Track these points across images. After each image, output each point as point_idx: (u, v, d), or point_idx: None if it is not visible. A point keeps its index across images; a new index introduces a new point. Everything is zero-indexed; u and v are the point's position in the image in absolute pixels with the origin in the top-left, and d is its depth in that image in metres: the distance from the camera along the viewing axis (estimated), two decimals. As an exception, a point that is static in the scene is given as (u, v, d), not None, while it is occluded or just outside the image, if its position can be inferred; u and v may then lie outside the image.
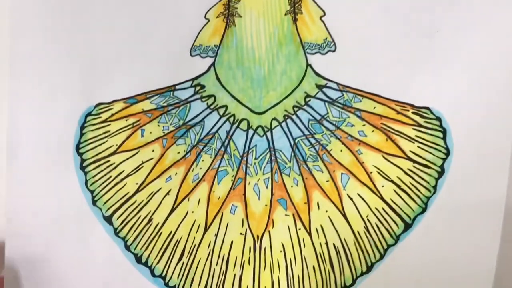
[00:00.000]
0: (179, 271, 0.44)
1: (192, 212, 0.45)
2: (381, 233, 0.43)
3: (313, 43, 0.44)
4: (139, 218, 0.45)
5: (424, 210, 0.42)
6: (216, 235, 0.44)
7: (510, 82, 0.41)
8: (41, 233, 0.45)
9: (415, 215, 0.42)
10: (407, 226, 0.42)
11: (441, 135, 0.43)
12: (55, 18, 0.44)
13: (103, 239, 0.45)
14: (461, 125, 0.42)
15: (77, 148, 0.45)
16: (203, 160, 0.45)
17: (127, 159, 0.45)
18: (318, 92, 0.44)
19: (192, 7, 0.44)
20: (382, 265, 0.43)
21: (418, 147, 0.43)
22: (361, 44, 0.43)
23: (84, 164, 0.45)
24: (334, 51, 0.44)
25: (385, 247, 0.43)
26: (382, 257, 0.43)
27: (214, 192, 0.45)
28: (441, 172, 0.42)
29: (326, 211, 0.43)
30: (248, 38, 0.44)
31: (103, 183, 0.45)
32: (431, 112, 0.43)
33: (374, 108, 0.44)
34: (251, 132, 0.45)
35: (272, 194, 0.44)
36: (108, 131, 0.45)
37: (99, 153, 0.45)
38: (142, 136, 0.45)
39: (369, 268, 0.43)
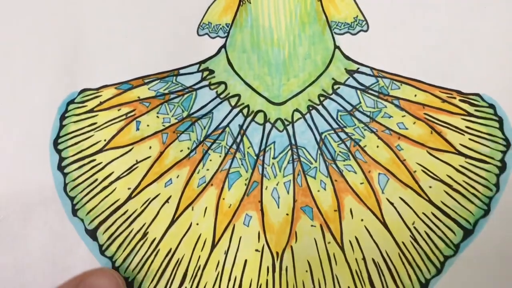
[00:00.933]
0: None
1: (197, 224, 0.38)
2: (433, 243, 0.37)
3: (342, 22, 0.40)
4: (130, 232, 0.38)
5: (486, 212, 0.37)
6: (226, 253, 0.38)
7: None
8: (7, 248, 0.38)
9: (476, 219, 0.37)
10: (467, 233, 0.37)
11: (497, 124, 0.38)
12: None
13: (85, 258, 0.38)
14: None
15: (55, 143, 0.39)
16: (211, 160, 0.39)
17: (118, 158, 0.39)
18: (349, 78, 0.40)
19: (201, -21, 0.41)
20: (441, 281, 0.36)
21: (470, 139, 0.38)
22: (397, 23, 0.40)
23: (63, 164, 0.39)
24: (366, 31, 0.40)
25: (442, 259, 0.36)
26: (439, 271, 0.36)
27: (224, 199, 0.38)
28: (502, 167, 0.37)
29: (362, 220, 0.38)
30: (265, 17, 0.40)
31: (86, 187, 0.38)
32: (482, 99, 0.38)
33: (415, 96, 0.39)
34: (268, 126, 0.40)
35: (294, 201, 0.38)
36: (95, 123, 0.40)
37: (83, 150, 0.39)
38: (137, 129, 0.39)
39: (424, 286, 0.36)
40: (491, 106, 0.38)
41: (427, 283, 0.36)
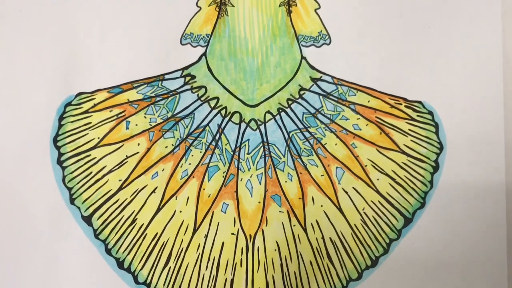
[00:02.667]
0: (165, 277, 0.41)
1: (180, 211, 0.42)
2: (380, 226, 0.42)
3: (308, 35, 0.44)
4: (121, 218, 0.41)
5: (423, 205, 0.43)
6: (206, 237, 0.42)
7: (499, 76, 0.43)
8: (13, 233, 0.40)
9: (414, 210, 0.43)
10: (408, 221, 0.43)
11: (433, 129, 0.43)
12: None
13: (81, 241, 0.41)
14: (452, 119, 0.43)
15: (55, 140, 0.42)
16: (192, 155, 0.43)
17: (110, 153, 0.42)
18: (313, 85, 0.44)
19: (184, -6, 0.43)
20: (388, 259, 0.42)
21: (412, 141, 0.43)
22: (356, 38, 0.44)
23: (62, 159, 0.41)
24: (329, 44, 0.44)
25: (387, 241, 0.42)
26: (386, 251, 0.42)
27: (204, 189, 0.42)
28: (435, 167, 0.43)
29: (321, 206, 0.43)
30: (241, 29, 0.43)
31: (82, 179, 0.41)
32: (423, 106, 0.44)
33: (368, 101, 0.44)
34: (243, 125, 0.43)
35: (265, 191, 0.43)
36: (90, 123, 0.42)
37: (79, 147, 0.42)
38: (127, 128, 0.42)
39: (374, 262, 0.42)
40: (430, 112, 0.43)
41: (376, 260, 0.42)
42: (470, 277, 0.42)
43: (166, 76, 0.43)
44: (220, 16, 0.43)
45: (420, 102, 0.44)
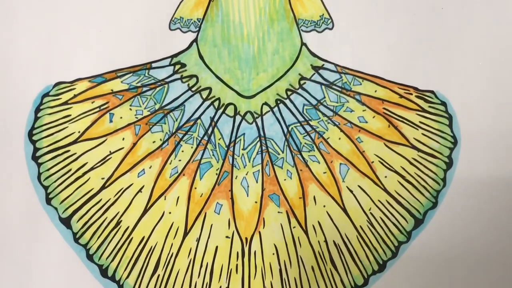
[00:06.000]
0: (154, 286, 0.39)
1: (170, 213, 0.40)
2: (388, 228, 0.40)
3: (309, 20, 0.42)
4: (104, 220, 0.39)
5: (435, 205, 0.40)
6: (198, 240, 0.39)
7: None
8: None
9: (425, 210, 0.40)
10: (418, 222, 0.40)
11: (447, 121, 0.41)
12: None
13: (59, 246, 0.39)
14: (468, 111, 0.41)
15: (30, 134, 0.40)
16: (183, 151, 0.40)
17: (92, 149, 0.40)
18: (314, 74, 0.42)
19: (172, -26, 0.41)
20: (396, 264, 0.40)
21: (423, 134, 0.41)
22: (361, 22, 0.42)
23: (38, 154, 0.39)
24: (331, 29, 0.42)
25: (396, 244, 0.40)
26: (395, 255, 0.40)
27: (195, 188, 0.40)
28: (449, 163, 0.41)
29: (324, 206, 0.40)
30: (236, 13, 0.41)
31: (60, 177, 0.39)
32: (436, 96, 0.41)
33: (375, 91, 0.41)
34: (238, 118, 0.41)
35: (262, 190, 0.40)
36: (69, 115, 0.40)
37: (57, 141, 0.40)
38: (111, 121, 0.40)
39: (382, 267, 0.40)
40: (443, 103, 0.41)
41: (384, 264, 0.40)
42: (486, 281, 0.40)
43: (154, 65, 0.41)
44: (212, -2, 0.42)
45: (432, 92, 0.41)
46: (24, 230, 0.39)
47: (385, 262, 0.40)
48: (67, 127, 0.40)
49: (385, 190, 0.40)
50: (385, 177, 0.40)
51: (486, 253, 0.40)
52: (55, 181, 0.39)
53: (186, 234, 0.40)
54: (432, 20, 0.42)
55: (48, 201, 0.39)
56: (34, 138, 0.39)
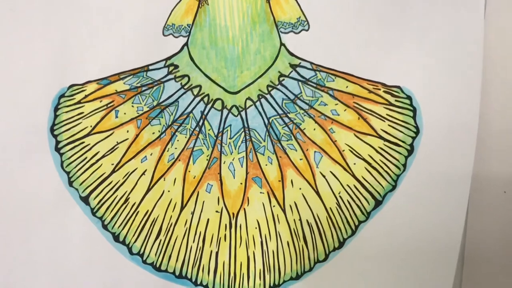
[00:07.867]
0: (157, 249, 0.45)
1: (168, 191, 0.45)
2: (352, 209, 0.44)
3: (287, 22, 0.44)
4: (115, 198, 0.45)
5: (394, 187, 0.43)
6: (193, 213, 0.45)
7: (477, 61, 0.42)
8: (18, 215, 0.45)
9: (385, 193, 0.44)
10: (378, 203, 0.44)
11: (411, 113, 0.43)
12: None
13: (80, 219, 0.45)
14: (430, 104, 0.43)
15: (52, 130, 0.45)
16: (178, 140, 0.45)
17: (102, 140, 0.45)
18: (292, 71, 0.45)
19: (164, -15, 0.44)
20: (354, 240, 0.44)
21: (389, 125, 0.44)
22: (334, 24, 0.43)
23: (59, 146, 0.45)
24: (307, 30, 0.44)
25: (357, 223, 0.44)
26: (353, 233, 0.44)
27: (189, 171, 0.45)
28: (410, 151, 0.43)
29: (300, 189, 0.44)
30: (222, 17, 0.44)
31: (78, 164, 0.45)
32: (402, 91, 0.43)
33: (347, 87, 0.44)
34: (225, 111, 0.45)
35: (247, 173, 0.45)
36: (82, 113, 0.45)
37: (74, 135, 0.45)
38: (116, 117, 0.45)
39: (341, 244, 0.44)
40: (409, 97, 0.43)
41: (343, 242, 0.44)
42: (423, 261, 0.43)
43: (150, 67, 0.45)
44: (200, 5, 0.44)
45: (399, 87, 0.43)
46: (53, 207, 0.45)
47: (345, 239, 0.44)
48: (81, 122, 0.45)
49: (353, 175, 0.44)
50: (354, 164, 0.44)
51: (429, 235, 0.43)
52: (74, 167, 0.45)
53: (182, 208, 0.45)
54: (399, 20, 0.43)
55: (70, 183, 0.45)
56: (55, 132, 0.45)
